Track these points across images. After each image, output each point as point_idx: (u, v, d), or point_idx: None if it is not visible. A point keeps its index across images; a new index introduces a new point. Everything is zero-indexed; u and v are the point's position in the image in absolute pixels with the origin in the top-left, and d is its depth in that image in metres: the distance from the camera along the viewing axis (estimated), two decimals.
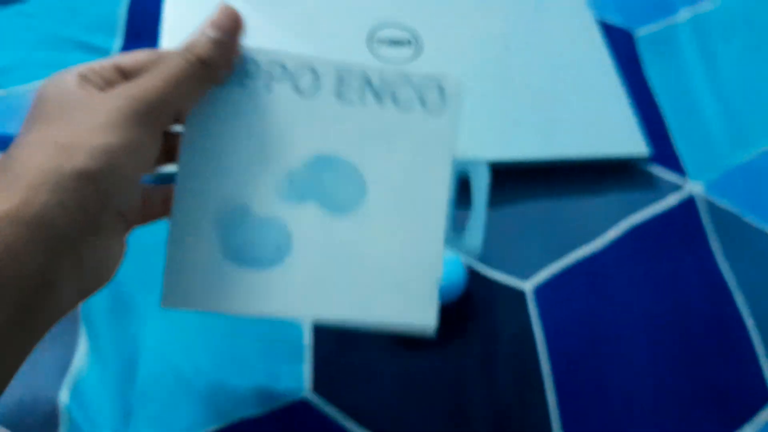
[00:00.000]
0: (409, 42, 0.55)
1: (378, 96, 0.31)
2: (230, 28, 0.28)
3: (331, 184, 0.31)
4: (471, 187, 0.34)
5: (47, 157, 0.23)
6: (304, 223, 0.31)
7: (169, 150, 0.31)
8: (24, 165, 0.23)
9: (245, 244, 0.30)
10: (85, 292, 0.26)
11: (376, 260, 0.31)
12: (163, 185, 0.33)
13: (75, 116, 0.25)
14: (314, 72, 0.31)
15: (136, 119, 0.25)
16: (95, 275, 0.26)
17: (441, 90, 0.32)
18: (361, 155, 0.31)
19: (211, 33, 0.28)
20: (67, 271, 0.24)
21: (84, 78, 0.26)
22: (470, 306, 0.45)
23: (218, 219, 0.30)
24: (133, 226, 0.29)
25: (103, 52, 0.52)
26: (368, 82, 0.31)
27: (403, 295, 0.31)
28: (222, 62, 0.29)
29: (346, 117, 0.31)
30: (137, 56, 0.28)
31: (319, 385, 0.40)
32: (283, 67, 0.31)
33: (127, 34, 0.54)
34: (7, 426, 0.37)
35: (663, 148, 0.55)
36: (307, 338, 0.42)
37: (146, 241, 0.44)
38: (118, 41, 0.53)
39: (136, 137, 0.25)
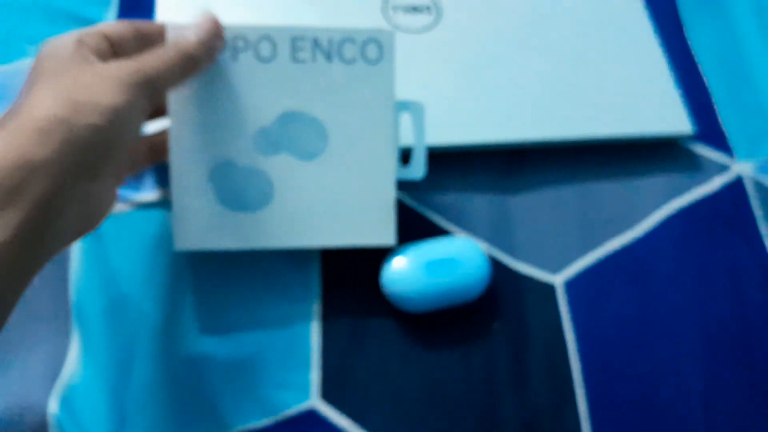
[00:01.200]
0: (427, 8, 0.50)
1: (327, 55, 0.37)
2: (213, 31, 0.34)
3: (298, 135, 0.37)
4: (412, 123, 0.40)
5: (59, 109, 0.27)
6: (280, 170, 0.37)
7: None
8: (33, 113, 0.27)
9: (235, 192, 0.37)
10: (81, 230, 0.30)
11: (342, 194, 0.38)
12: (145, 136, 0.38)
13: (82, 77, 0.29)
14: (271, 40, 0.36)
15: (137, 88, 0.29)
16: (91, 216, 0.30)
17: (378, 43, 0.37)
18: (319, 107, 0.37)
19: (198, 35, 0.34)
20: (71, 206, 0.28)
21: (80, 43, 0.30)
22: (495, 302, 0.41)
23: (210, 173, 0.37)
24: (124, 177, 0.36)
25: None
26: (318, 45, 0.37)
27: (367, 221, 0.38)
28: (206, 58, 0.34)
29: (303, 76, 0.37)
30: (120, 28, 0.32)
31: (327, 392, 0.37)
32: (245, 39, 0.36)
33: (121, 6, 0.49)
34: None
35: (708, 125, 0.49)
36: (315, 342, 0.38)
37: (143, 239, 0.41)
38: (112, 13, 0.49)
39: (136, 102, 0.29)
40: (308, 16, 0.48)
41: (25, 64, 0.46)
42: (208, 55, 0.35)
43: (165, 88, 0.32)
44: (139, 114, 0.30)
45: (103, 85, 0.29)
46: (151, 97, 0.31)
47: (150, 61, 0.31)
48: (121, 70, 0.30)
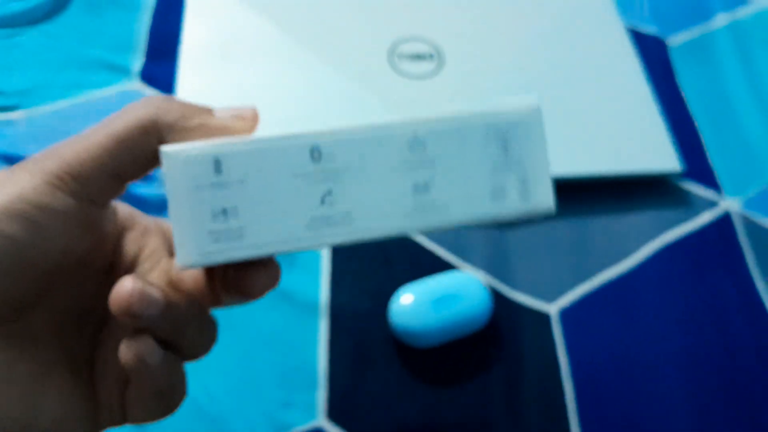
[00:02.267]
0: (431, 56, 0.54)
1: None
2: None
3: None
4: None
5: None
6: None
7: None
8: None
9: None
10: None
11: None
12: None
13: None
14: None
15: (52, 180, 0.21)
16: None
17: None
18: None
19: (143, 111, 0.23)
20: None
21: None
22: (494, 332, 0.43)
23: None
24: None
25: (125, 71, 0.52)
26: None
27: None
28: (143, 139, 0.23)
29: None
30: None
31: (333, 412, 0.39)
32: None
33: (148, 54, 0.54)
34: None
35: (697, 163, 0.52)
36: (323, 364, 0.41)
37: None
38: (138, 61, 0.53)
39: (47, 200, 0.21)
40: (315, 63, 0.52)
41: (60, 105, 0.50)
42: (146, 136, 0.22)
43: (95, 181, 0.22)
44: (56, 218, 0.21)
45: (11, 175, 0.21)
46: (76, 193, 0.22)
47: (71, 146, 0.22)
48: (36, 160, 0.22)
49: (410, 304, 0.41)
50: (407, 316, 0.41)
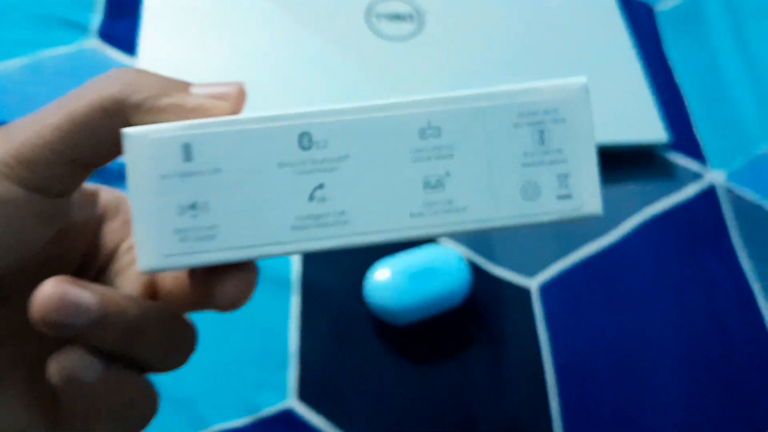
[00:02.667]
0: (410, 16, 0.51)
1: None
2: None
3: None
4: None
5: None
6: None
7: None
8: None
9: None
10: None
11: None
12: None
13: None
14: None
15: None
16: None
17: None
18: None
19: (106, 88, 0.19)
20: None
21: None
22: (474, 309, 0.41)
23: None
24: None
25: (82, 29, 0.49)
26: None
27: None
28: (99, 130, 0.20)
29: None
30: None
31: (305, 392, 0.38)
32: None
33: (108, 10, 0.50)
34: None
35: (683, 134, 0.51)
36: (293, 344, 0.39)
37: None
38: (97, 18, 0.50)
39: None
40: (287, 22, 0.49)
41: (11, 65, 0.46)
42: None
43: (49, 169, 0.19)
44: (3, 210, 0.19)
45: None
46: (25, 182, 0.19)
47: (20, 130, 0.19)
48: None
49: (387, 279, 0.39)
50: (383, 292, 0.39)
